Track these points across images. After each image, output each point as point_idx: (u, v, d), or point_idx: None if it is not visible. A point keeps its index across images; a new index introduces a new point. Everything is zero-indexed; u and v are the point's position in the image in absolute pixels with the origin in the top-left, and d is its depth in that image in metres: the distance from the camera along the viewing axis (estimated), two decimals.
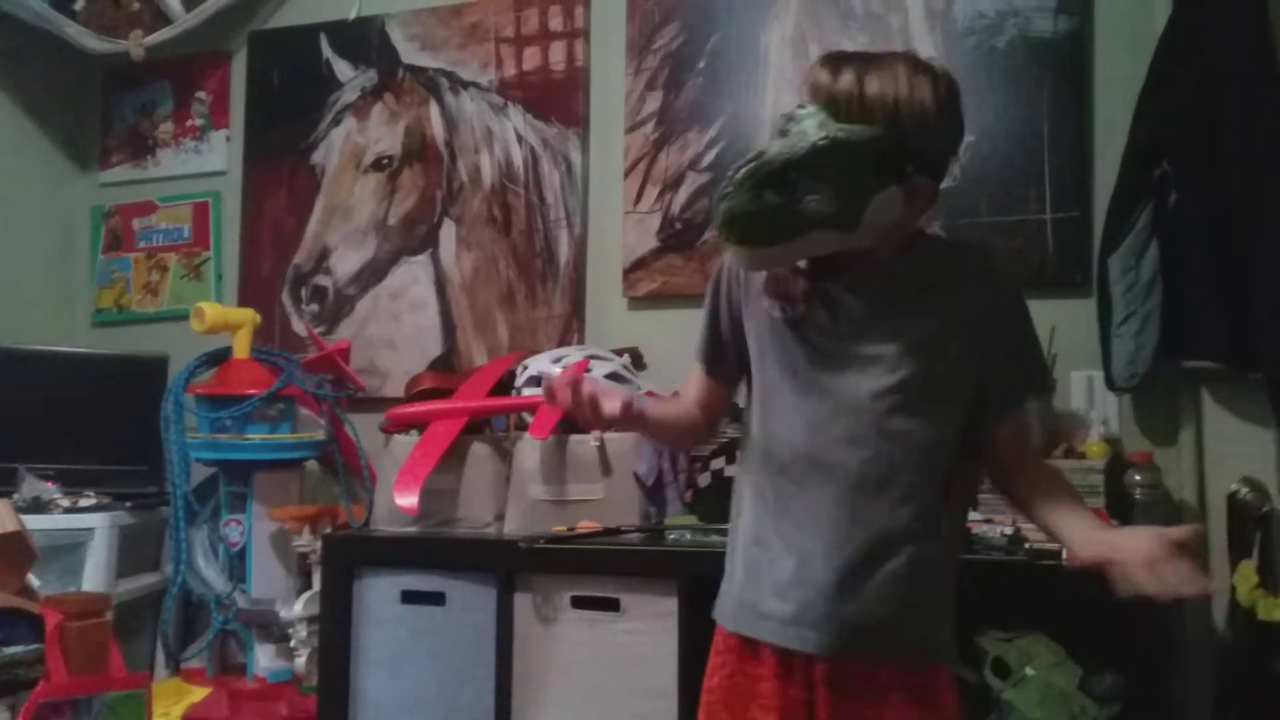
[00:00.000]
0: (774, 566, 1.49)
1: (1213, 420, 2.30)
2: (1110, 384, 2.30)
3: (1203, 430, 2.31)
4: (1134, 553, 1.29)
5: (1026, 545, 2.01)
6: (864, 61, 1.43)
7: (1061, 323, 2.32)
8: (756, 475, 1.54)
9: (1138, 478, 2.18)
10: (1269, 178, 2.17)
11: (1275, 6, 2.26)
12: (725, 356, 1.62)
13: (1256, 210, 2.17)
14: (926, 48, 2.55)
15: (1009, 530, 2.04)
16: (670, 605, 2.09)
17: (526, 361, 2.57)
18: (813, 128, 1.40)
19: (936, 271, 1.51)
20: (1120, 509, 2.14)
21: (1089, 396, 2.37)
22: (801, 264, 1.52)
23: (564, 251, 2.87)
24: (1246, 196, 2.18)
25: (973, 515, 2.15)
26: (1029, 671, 1.96)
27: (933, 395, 1.46)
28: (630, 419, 1.52)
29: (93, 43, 3.22)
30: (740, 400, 1.65)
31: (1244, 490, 2.21)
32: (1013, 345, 1.52)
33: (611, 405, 1.48)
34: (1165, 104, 2.28)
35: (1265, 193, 2.17)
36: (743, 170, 1.39)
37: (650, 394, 1.66)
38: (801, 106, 1.42)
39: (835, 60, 1.44)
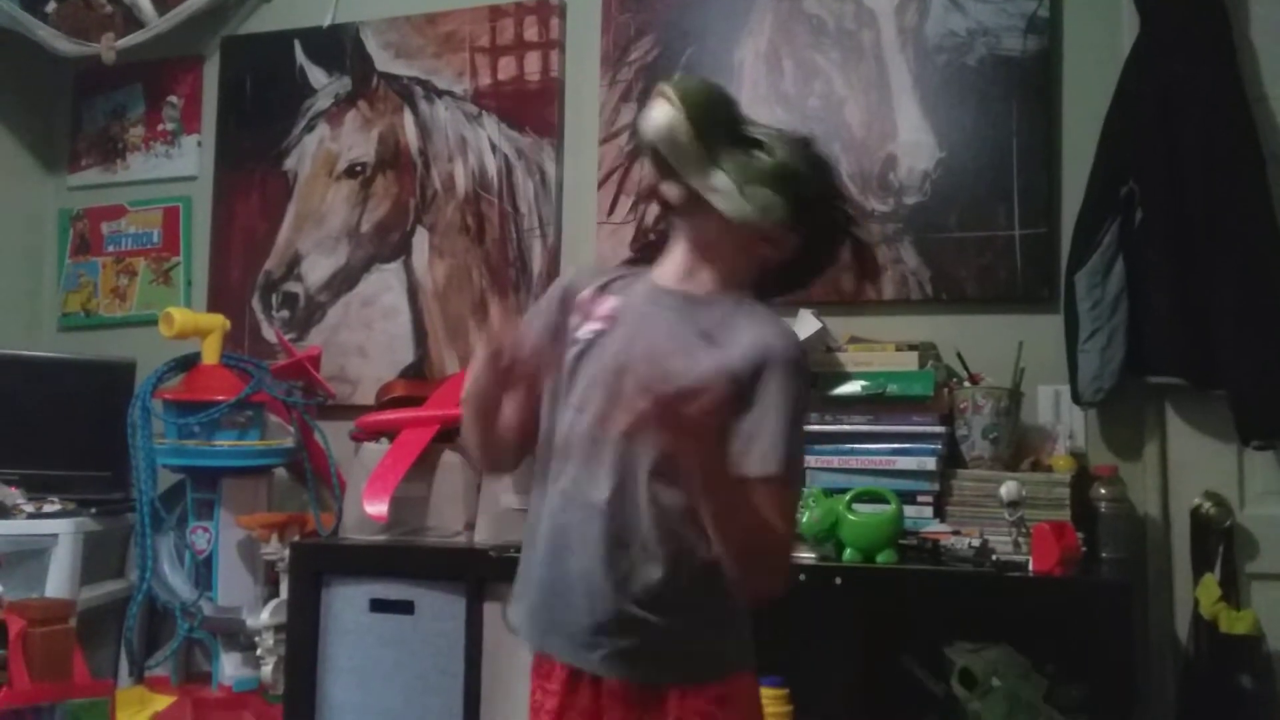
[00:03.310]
0: None
1: (1176, 435, 2.33)
2: (1076, 399, 2.33)
3: (1167, 445, 2.34)
4: None
5: (994, 557, 2.03)
6: None
7: (1029, 338, 2.35)
8: None
9: (1103, 491, 2.21)
10: (1228, 198, 2.21)
11: (1240, 28, 2.30)
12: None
13: (1216, 230, 2.20)
14: (898, 65, 2.58)
15: (976, 542, 2.06)
16: None
17: None
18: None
19: (741, 316, 1.47)
20: (1086, 522, 2.17)
21: (1055, 411, 2.39)
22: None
23: (537, 261, 2.87)
24: (1207, 216, 2.21)
25: (940, 526, 2.17)
26: (995, 682, 1.98)
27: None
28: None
29: (64, 45, 3.19)
30: None
31: (1207, 504, 2.24)
32: (762, 413, 1.41)
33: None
34: (1131, 123, 2.32)
35: (1224, 213, 2.21)
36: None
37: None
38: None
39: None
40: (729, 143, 1.46)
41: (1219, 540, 2.20)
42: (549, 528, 1.46)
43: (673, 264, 1.53)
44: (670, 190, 1.49)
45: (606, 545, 1.40)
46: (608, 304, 1.52)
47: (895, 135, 2.57)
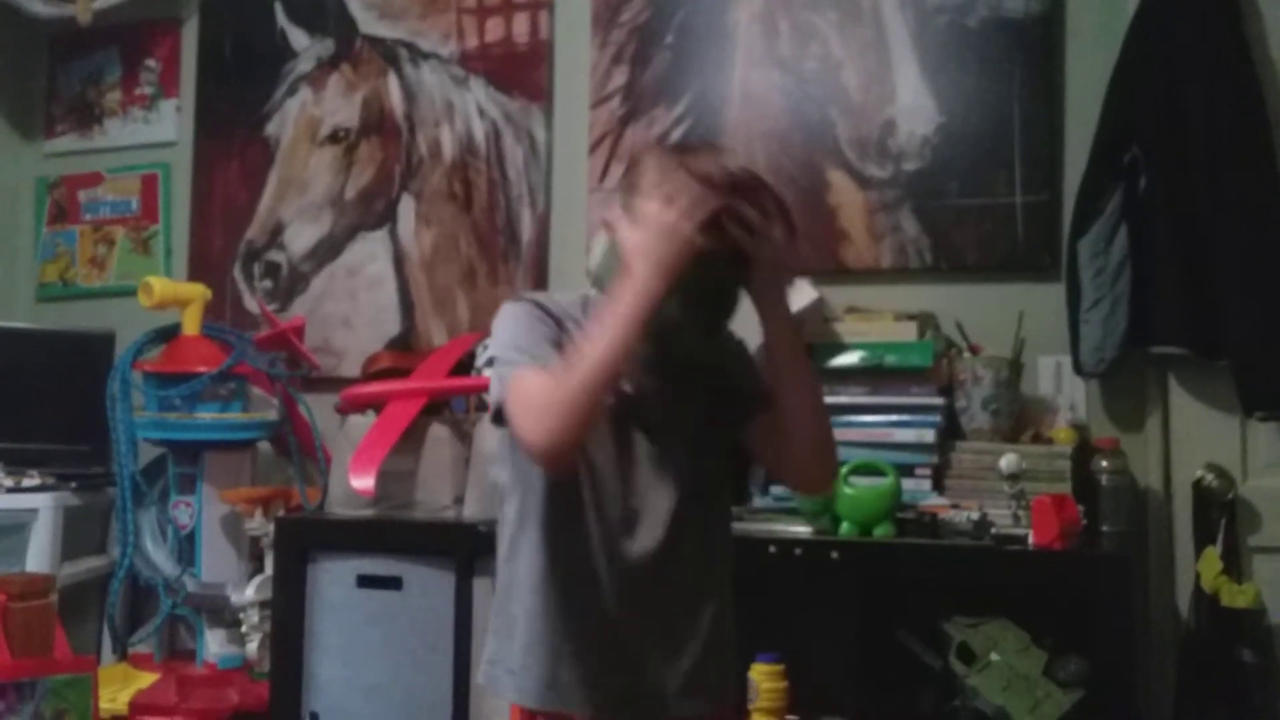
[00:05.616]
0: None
1: (1179, 407, 2.29)
2: (1078, 369, 2.29)
3: (1169, 416, 2.31)
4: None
5: (993, 530, 2.00)
6: None
7: (1030, 307, 2.32)
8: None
9: (1104, 463, 2.17)
10: (1233, 166, 2.18)
11: None
12: None
13: (1221, 198, 2.17)
14: (897, 25, 2.52)
15: (975, 515, 2.03)
16: None
17: (487, 341, 2.52)
18: None
19: None
20: (1087, 494, 2.13)
21: (1057, 382, 2.36)
22: None
23: (526, 229, 2.81)
24: (1211, 183, 2.18)
25: (938, 499, 2.14)
26: (994, 657, 1.97)
27: None
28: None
29: (38, 7, 3.11)
30: None
31: (1209, 477, 2.21)
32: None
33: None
34: (1135, 88, 2.27)
35: (1229, 181, 2.17)
36: None
37: None
38: None
39: None
40: None
41: (1221, 513, 2.18)
42: (611, 587, 1.44)
43: None
44: None
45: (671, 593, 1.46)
46: None
47: (894, 99, 2.52)
